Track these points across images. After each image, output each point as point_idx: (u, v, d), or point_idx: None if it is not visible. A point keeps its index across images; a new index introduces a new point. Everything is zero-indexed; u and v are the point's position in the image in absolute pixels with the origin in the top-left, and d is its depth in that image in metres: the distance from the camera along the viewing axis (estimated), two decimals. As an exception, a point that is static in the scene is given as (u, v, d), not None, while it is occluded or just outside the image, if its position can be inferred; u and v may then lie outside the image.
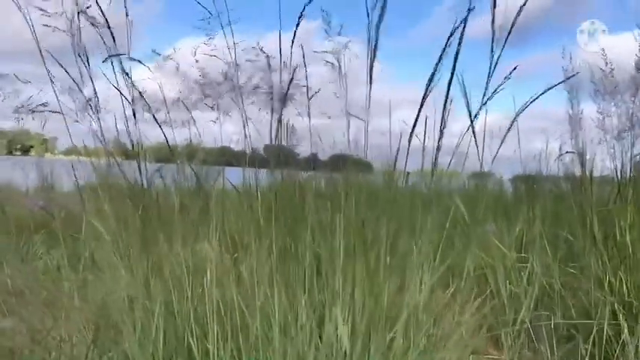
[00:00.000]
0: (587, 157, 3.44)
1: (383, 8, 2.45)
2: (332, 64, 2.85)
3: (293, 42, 2.91)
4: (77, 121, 2.95)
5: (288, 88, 2.97)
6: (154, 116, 3.13)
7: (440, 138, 2.56)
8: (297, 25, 2.77)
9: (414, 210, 2.55)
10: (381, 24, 2.44)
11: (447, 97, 2.51)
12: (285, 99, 2.99)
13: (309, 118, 3.48)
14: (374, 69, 2.56)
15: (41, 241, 3.89)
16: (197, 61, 3.49)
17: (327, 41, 2.83)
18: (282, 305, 2.28)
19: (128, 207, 2.76)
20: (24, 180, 6.62)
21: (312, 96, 3.28)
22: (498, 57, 2.66)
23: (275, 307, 2.27)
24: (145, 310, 2.34)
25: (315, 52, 2.91)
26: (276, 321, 2.25)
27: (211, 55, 3.16)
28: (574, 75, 3.39)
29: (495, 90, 2.52)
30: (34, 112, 2.85)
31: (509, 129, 2.81)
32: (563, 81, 3.34)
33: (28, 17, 2.78)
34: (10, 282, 2.89)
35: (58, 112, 2.87)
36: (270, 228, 2.54)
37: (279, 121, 3.11)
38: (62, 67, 2.76)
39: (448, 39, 2.47)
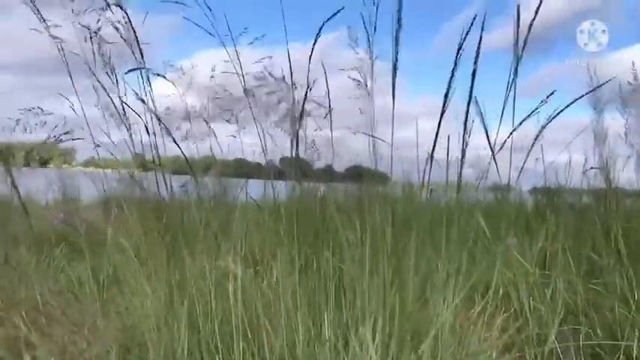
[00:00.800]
0: (612, 170, 3.42)
1: (399, 21, 2.45)
2: (358, 81, 2.85)
3: (311, 57, 2.92)
4: (106, 133, 2.98)
5: (304, 104, 2.97)
6: (167, 129, 3.14)
7: (462, 156, 2.55)
8: (315, 42, 2.78)
9: (435, 224, 2.54)
10: (399, 39, 2.45)
11: (466, 116, 2.51)
12: (301, 114, 3.00)
13: (331, 131, 3.49)
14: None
15: (62, 254, 3.90)
16: (212, 77, 3.51)
17: (354, 57, 2.83)
18: (305, 322, 2.27)
19: (151, 221, 2.77)
20: (43, 192, 6.67)
21: (326, 114, 3.29)
22: (516, 69, 2.66)
23: (299, 323, 2.27)
24: (169, 327, 2.35)
25: (341, 69, 2.92)
26: (300, 338, 2.25)
27: (231, 73, 3.19)
28: (601, 85, 3.37)
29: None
30: (61, 141, 2.89)
31: (533, 143, 2.80)
32: (589, 91, 3.33)
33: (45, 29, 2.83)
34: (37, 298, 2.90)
35: (81, 139, 2.91)
36: (292, 243, 2.54)
37: (296, 134, 3.12)
38: (99, 78, 2.79)
39: (458, 52, 2.47)
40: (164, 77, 3.13)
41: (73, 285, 3.06)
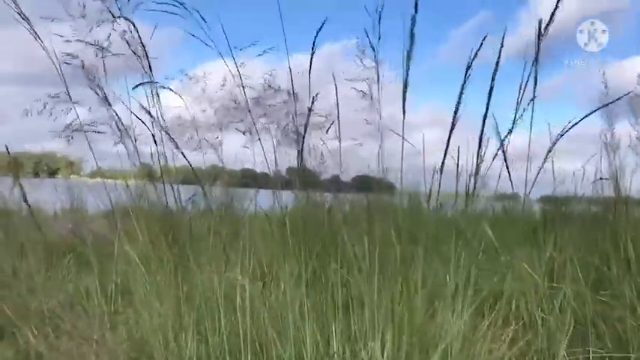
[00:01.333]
0: (621, 179, 3.40)
1: (412, 37, 2.46)
2: (363, 92, 2.86)
3: (310, 70, 2.93)
4: (118, 143, 2.99)
5: (309, 116, 2.98)
6: (174, 140, 3.15)
7: (477, 172, 2.55)
8: (312, 55, 2.80)
9: (443, 235, 2.54)
10: (412, 54, 2.45)
11: (482, 132, 2.52)
12: (306, 126, 3.00)
13: (340, 141, 3.49)
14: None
15: (71, 265, 3.91)
16: (223, 85, 3.52)
17: (360, 67, 2.83)
18: (313, 334, 2.27)
19: (159, 232, 2.78)
20: (52, 202, 6.68)
21: (330, 125, 3.29)
22: (527, 81, 2.66)
23: (307, 336, 2.26)
24: (177, 339, 2.35)
25: (346, 79, 2.93)
26: (308, 351, 2.24)
27: (239, 85, 3.20)
28: (614, 101, 3.36)
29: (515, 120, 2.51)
30: (77, 130, 2.90)
31: (548, 153, 2.80)
32: (604, 105, 3.32)
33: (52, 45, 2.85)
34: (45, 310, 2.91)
35: (100, 132, 2.91)
36: (300, 255, 2.54)
37: (301, 145, 3.12)
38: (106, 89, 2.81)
39: (467, 70, 2.48)
40: (170, 89, 3.14)
41: (81, 296, 3.06)
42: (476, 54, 2.46)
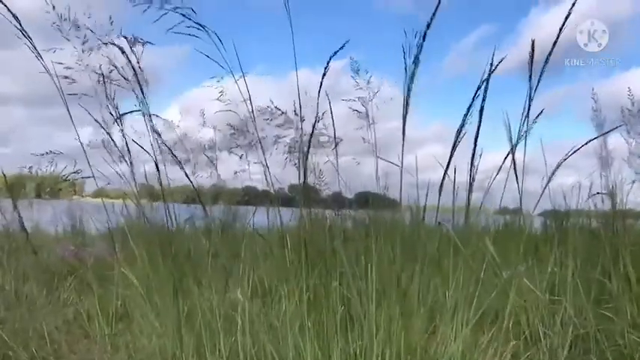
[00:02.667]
0: (618, 194, 3.41)
1: (416, 60, 2.47)
2: (358, 111, 2.88)
3: (320, 90, 2.94)
4: (120, 163, 3.01)
5: (312, 135, 2.99)
6: (176, 159, 3.16)
7: (470, 188, 2.56)
8: (324, 75, 2.80)
9: (444, 251, 2.54)
10: (414, 76, 2.46)
11: (475, 145, 2.52)
12: (309, 144, 3.01)
13: (336, 158, 3.50)
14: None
15: (72, 287, 3.91)
16: (229, 103, 3.53)
17: (355, 89, 2.85)
18: (314, 353, 2.27)
19: (159, 253, 2.78)
20: (53, 224, 6.69)
21: (332, 142, 3.30)
22: (532, 97, 2.67)
23: (307, 355, 2.26)
24: (178, 360, 2.35)
25: (343, 99, 2.94)
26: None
27: (241, 101, 3.21)
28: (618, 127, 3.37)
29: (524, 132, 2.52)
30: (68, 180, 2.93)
31: (556, 168, 2.80)
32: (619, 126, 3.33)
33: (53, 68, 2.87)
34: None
35: (89, 177, 2.94)
36: (300, 273, 2.54)
37: (304, 163, 3.13)
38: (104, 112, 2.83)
39: (475, 94, 2.49)
40: (158, 116, 3.16)
41: (82, 319, 3.06)
42: (489, 75, 2.48)
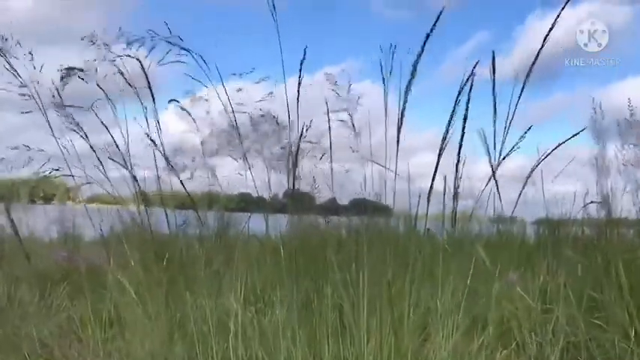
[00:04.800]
0: (612, 202, 3.42)
1: (413, 73, 2.48)
2: (344, 121, 2.92)
3: (298, 99, 2.96)
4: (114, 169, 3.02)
5: (299, 142, 3.00)
6: (170, 165, 3.17)
7: (456, 193, 2.57)
8: (299, 84, 2.83)
9: (436, 259, 2.55)
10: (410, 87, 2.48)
11: (458, 154, 2.54)
12: (297, 152, 3.02)
13: (331, 164, 3.51)
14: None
15: (65, 292, 3.90)
16: (232, 109, 3.54)
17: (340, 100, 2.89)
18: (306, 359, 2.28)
19: (152, 259, 2.78)
20: (47, 229, 6.66)
21: (322, 156, 3.32)
22: (517, 102, 2.68)
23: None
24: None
25: (330, 111, 2.97)
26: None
27: (237, 110, 3.23)
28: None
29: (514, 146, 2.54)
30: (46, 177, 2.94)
31: (530, 172, 2.81)
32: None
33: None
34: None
35: (69, 175, 2.95)
36: (293, 280, 2.55)
37: (294, 170, 3.14)
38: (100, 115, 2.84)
39: (456, 99, 2.51)
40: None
41: (74, 324, 3.05)
42: (465, 82, 2.49)
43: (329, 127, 3.32)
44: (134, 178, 3.15)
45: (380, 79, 2.77)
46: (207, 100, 3.26)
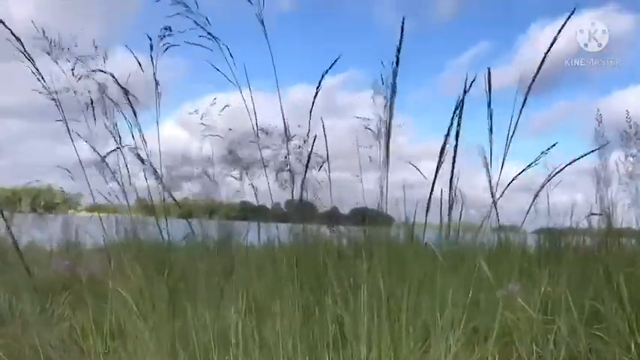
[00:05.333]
0: (613, 214, 3.43)
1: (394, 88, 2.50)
2: (369, 128, 2.92)
3: (311, 112, 2.97)
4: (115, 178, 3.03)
5: (310, 155, 3.01)
6: (157, 177, 3.18)
7: (450, 205, 2.58)
8: (315, 96, 2.83)
9: (437, 269, 2.55)
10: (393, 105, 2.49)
11: (453, 165, 2.55)
12: (307, 164, 3.03)
13: (328, 174, 3.52)
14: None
15: (66, 302, 3.90)
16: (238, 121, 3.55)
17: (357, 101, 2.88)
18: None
19: (153, 269, 2.79)
20: (48, 238, 6.66)
21: (321, 165, 3.32)
22: (520, 111, 2.69)
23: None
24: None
25: (357, 117, 2.98)
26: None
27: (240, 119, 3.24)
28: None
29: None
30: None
31: (540, 188, 2.82)
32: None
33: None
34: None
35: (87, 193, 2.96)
36: (294, 290, 2.55)
37: (297, 181, 3.15)
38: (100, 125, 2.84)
39: (455, 111, 2.52)
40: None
41: (76, 335, 3.05)
42: (462, 99, 2.51)
43: (324, 135, 3.34)
44: (130, 186, 3.17)
45: (380, 89, 2.79)
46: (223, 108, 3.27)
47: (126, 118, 3.15)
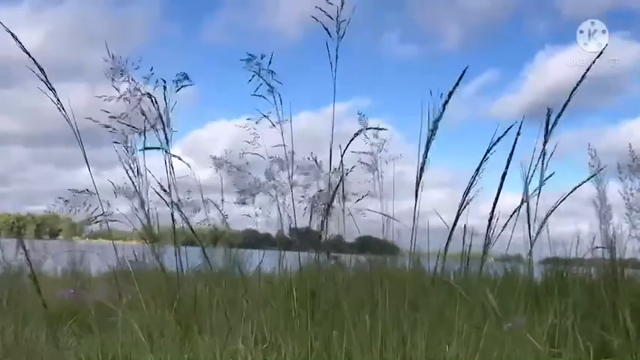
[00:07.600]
0: (617, 246, 3.43)
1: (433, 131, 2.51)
2: (368, 164, 2.95)
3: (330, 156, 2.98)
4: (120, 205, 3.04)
5: (335, 191, 3.02)
6: (177, 203, 3.20)
7: (450, 234, 2.58)
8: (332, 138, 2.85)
9: (445, 302, 2.55)
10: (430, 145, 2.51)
11: (465, 196, 2.55)
12: (332, 198, 3.03)
13: (342, 202, 3.54)
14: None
15: (72, 331, 3.89)
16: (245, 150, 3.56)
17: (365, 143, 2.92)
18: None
19: (162, 298, 2.79)
20: (53, 265, 6.66)
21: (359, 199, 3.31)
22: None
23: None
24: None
25: (352, 152, 3.00)
26: None
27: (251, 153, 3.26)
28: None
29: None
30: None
31: (546, 217, 2.82)
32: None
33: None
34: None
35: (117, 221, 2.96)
36: (303, 323, 2.55)
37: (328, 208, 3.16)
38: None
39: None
40: (180, 159, 3.21)
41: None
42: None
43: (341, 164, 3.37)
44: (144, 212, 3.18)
45: (391, 119, 2.82)
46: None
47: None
